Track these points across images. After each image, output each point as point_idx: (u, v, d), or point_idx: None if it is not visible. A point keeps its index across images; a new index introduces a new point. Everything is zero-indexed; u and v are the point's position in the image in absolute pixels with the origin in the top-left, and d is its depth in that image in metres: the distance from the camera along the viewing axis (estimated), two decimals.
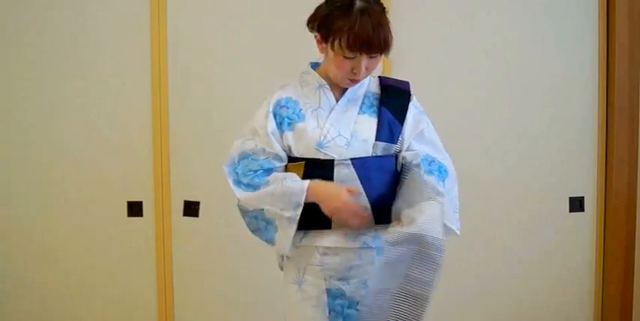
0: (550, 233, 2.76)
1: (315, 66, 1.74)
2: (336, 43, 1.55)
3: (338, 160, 1.62)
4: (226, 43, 2.62)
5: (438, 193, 1.60)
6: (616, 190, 2.73)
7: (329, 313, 1.66)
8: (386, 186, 1.66)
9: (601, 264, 2.79)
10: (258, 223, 1.68)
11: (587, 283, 2.80)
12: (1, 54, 2.60)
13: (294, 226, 1.60)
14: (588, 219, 2.78)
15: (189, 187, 2.61)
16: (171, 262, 2.65)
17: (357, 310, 1.65)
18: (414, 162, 1.66)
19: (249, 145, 1.66)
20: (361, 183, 1.62)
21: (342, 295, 1.66)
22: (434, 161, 1.67)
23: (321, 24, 1.59)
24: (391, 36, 1.58)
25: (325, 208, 1.58)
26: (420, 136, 1.70)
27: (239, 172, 1.66)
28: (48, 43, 2.58)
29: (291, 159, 1.67)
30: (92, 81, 2.60)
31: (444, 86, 2.68)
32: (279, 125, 1.66)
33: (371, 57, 1.58)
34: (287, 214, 1.59)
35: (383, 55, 1.61)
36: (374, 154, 1.64)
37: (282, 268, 1.77)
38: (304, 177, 1.64)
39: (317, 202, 1.58)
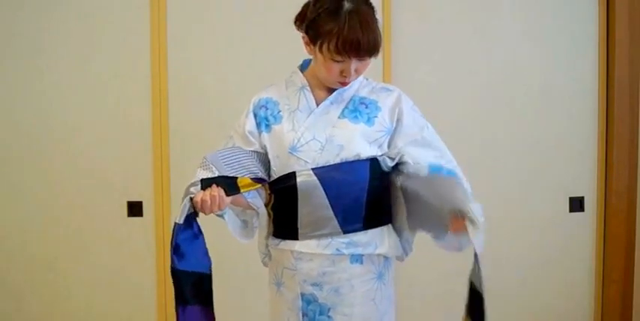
0: (550, 233, 2.77)
1: (307, 64, 1.71)
2: (325, 46, 1.51)
3: (299, 170, 1.59)
4: (227, 43, 2.62)
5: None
6: (616, 190, 2.73)
7: (302, 317, 1.66)
8: (354, 193, 1.62)
9: (601, 264, 2.80)
10: None
11: (587, 283, 2.80)
12: None
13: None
14: (588, 219, 2.78)
15: None
16: None
17: (328, 316, 1.64)
18: (422, 174, 1.62)
19: (229, 145, 1.68)
20: (325, 192, 1.59)
21: (314, 300, 1.65)
22: (442, 167, 1.65)
23: (309, 26, 1.55)
24: (380, 38, 1.54)
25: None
26: (422, 140, 1.67)
27: None
28: (47, 42, 2.58)
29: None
30: (92, 81, 2.60)
31: (444, 86, 2.68)
32: (258, 125, 1.66)
33: (361, 59, 1.55)
34: None
35: (373, 57, 1.57)
36: (345, 160, 1.60)
37: (265, 265, 1.79)
38: (270, 187, 1.65)
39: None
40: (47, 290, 2.65)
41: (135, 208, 2.63)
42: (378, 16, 1.60)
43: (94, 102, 2.61)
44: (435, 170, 1.64)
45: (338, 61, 1.53)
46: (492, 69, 2.70)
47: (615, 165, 2.72)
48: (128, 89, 2.60)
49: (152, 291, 2.66)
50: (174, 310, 1.56)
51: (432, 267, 2.65)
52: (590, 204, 2.77)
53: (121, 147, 2.61)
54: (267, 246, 1.74)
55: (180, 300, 1.55)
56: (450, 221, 1.53)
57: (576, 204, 2.77)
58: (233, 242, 1.74)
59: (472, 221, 1.47)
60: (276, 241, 1.69)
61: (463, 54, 2.69)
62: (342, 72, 1.56)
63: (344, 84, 1.61)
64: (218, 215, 1.63)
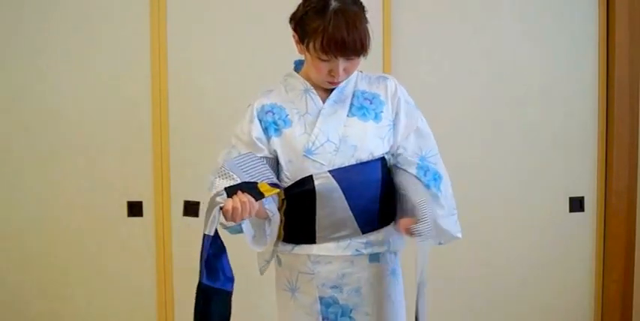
0: (550, 233, 2.77)
1: (299, 64, 1.70)
2: (311, 45, 1.51)
3: (317, 174, 1.58)
4: (227, 43, 2.62)
5: (440, 207, 1.61)
6: (616, 190, 2.73)
7: (322, 320, 1.65)
8: (371, 193, 1.62)
9: (601, 264, 2.79)
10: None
11: (587, 283, 2.80)
12: None
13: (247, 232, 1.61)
14: (588, 219, 2.78)
15: (189, 187, 2.61)
16: (172, 262, 2.65)
17: (350, 317, 1.65)
18: (410, 170, 1.63)
19: (234, 155, 1.61)
20: (344, 193, 1.59)
21: (335, 303, 1.65)
22: (428, 170, 1.64)
23: (298, 24, 1.55)
24: (368, 37, 1.52)
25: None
26: (417, 131, 1.66)
27: None
28: (47, 42, 2.58)
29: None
30: (92, 81, 2.60)
31: (444, 86, 2.68)
32: (266, 130, 1.63)
33: (348, 59, 1.53)
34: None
35: (362, 57, 1.56)
36: (360, 160, 1.60)
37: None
38: (286, 192, 1.63)
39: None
40: (47, 290, 2.66)
41: (135, 208, 2.63)
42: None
43: (94, 102, 2.61)
44: (421, 172, 1.63)
45: (325, 60, 1.53)
46: (492, 69, 2.70)
47: (615, 165, 2.72)
48: (128, 89, 2.60)
49: (152, 291, 2.66)
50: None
51: (438, 266, 2.64)
52: (590, 204, 2.77)
53: (121, 147, 2.61)
54: (272, 252, 1.71)
55: (202, 318, 1.48)
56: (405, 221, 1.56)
57: (576, 204, 2.76)
58: (233, 243, 1.74)
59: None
60: (289, 246, 1.67)
61: (463, 54, 2.69)
62: (330, 71, 1.56)
63: (333, 83, 1.60)
64: (226, 228, 1.58)
